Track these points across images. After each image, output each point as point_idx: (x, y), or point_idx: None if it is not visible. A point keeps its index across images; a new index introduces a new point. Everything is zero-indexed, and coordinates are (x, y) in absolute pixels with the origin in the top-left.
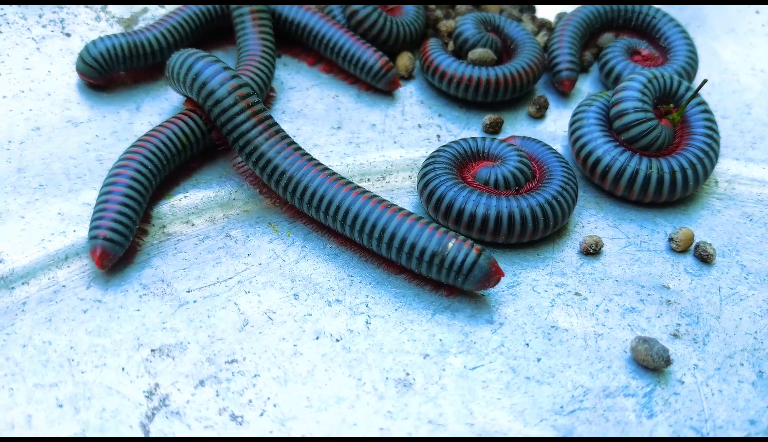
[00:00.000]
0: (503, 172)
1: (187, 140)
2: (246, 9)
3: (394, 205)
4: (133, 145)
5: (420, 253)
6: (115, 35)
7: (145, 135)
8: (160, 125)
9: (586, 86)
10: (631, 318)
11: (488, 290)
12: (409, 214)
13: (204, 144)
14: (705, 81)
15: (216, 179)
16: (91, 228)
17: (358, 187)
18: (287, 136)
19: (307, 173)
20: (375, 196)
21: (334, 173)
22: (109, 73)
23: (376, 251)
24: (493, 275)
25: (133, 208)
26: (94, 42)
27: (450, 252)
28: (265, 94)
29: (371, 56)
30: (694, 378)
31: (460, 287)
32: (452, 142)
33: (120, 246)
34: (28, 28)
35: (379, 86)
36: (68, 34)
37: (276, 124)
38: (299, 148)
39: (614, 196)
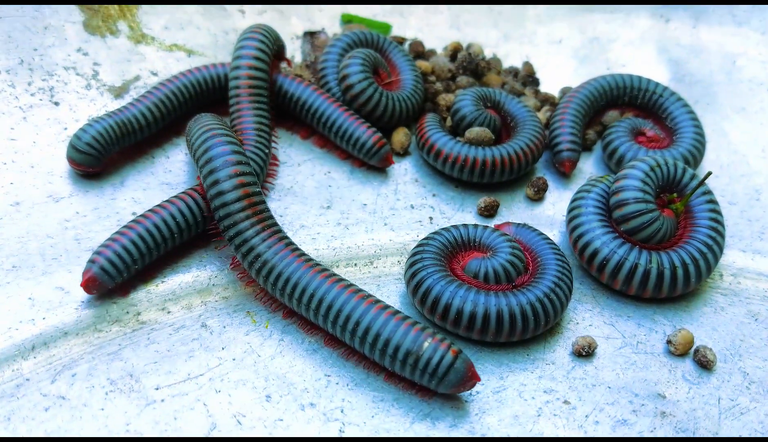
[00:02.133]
0: (493, 265)
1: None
2: (242, 83)
3: (371, 296)
4: (170, 198)
5: (394, 350)
6: (102, 117)
7: (183, 191)
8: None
9: (588, 166)
10: (622, 432)
11: (473, 395)
12: (386, 307)
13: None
14: (710, 173)
15: (195, 263)
16: (95, 251)
17: (335, 274)
18: (280, 231)
19: (282, 258)
20: (351, 285)
21: (311, 259)
22: (105, 157)
23: (349, 344)
24: (468, 380)
25: (139, 251)
26: (83, 128)
27: (425, 352)
28: (262, 178)
29: (364, 132)
30: None
31: (433, 389)
32: (442, 229)
33: (111, 279)
34: (16, 97)
35: (372, 163)
36: (57, 103)
37: (272, 220)
38: (277, 230)
39: (612, 290)
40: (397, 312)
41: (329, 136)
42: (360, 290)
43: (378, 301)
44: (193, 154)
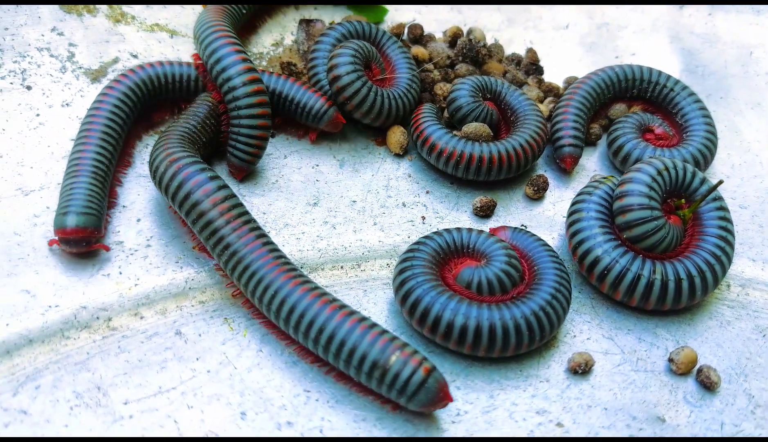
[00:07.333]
0: (487, 275)
1: None
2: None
3: (337, 301)
4: None
5: (359, 361)
6: (71, 186)
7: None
8: None
9: (592, 162)
10: None
11: (460, 415)
12: (352, 313)
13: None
14: (720, 182)
15: (172, 264)
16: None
17: (300, 276)
18: (252, 221)
19: (251, 252)
20: (316, 288)
21: (280, 257)
22: (104, 214)
23: (313, 351)
24: (440, 400)
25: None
26: (63, 207)
27: (393, 366)
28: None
29: (311, 97)
30: None
31: (403, 405)
32: (434, 233)
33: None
34: None
35: (321, 128)
36: (29, 87)
37: (246, 214)
38: (250, 223)
39: (612, 300)
40: (364, 319)
41: (285, 111)
42: (324, 294)
43: (343, 306)
44: (165, 191)
